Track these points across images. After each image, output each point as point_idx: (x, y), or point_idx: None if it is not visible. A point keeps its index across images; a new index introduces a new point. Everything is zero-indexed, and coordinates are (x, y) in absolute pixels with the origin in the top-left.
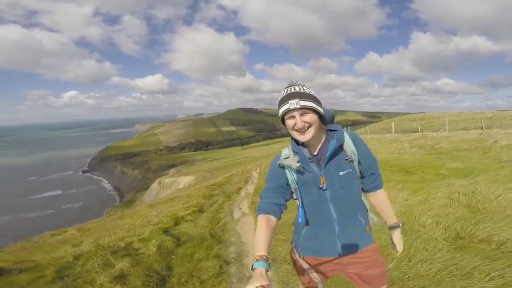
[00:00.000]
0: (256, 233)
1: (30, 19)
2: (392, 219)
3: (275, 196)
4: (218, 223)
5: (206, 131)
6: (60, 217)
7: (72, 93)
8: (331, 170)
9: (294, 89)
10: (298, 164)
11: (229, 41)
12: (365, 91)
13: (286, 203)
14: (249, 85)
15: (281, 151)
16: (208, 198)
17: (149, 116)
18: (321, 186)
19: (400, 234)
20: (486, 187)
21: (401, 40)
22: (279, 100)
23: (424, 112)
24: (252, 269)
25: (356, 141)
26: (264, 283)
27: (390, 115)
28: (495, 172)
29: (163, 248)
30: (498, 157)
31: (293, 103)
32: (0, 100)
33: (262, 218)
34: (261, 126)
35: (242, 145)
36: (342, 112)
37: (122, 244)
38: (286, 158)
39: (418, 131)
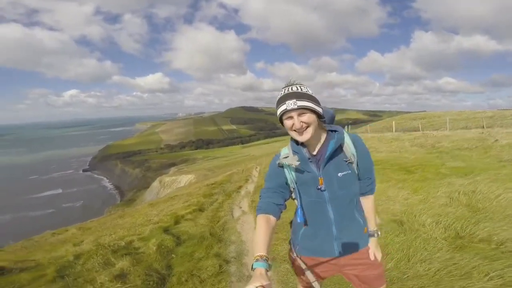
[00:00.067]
0: (256, 233)
1: (30, 18)
2: (372, 226)
3: (275, 196)
4: (218, 222)
5: (206, 130)
6: (61, 216)
7: (72, 92)
8: (330, 171)
9: (292, 89)
10: (298, 163)
11: (230, 39)
12: (366, 89)
13: (285, 202)
14: (250, 84)
15: (280, 151)
16: (209, 197)
17: (150, 115)
18: (319, 187)
19: (376, 242)
20: (486, 187)
21: (402, 38)
22: (276, 101)
23: (425, 111)
24: (252, 269)
25: (356, 143)
26: (264, 283)
27: (391, 113)
28: (496, 171)
29: (163, 247)
30: (498, 156)
31: (290, 104)
32: (0, 99)
33: (261, 218)
34: (261, 124)
35: (242, 144)
36: (343, 110)
37: (123, 243)
38: (286, 157)
39: (419, 130)
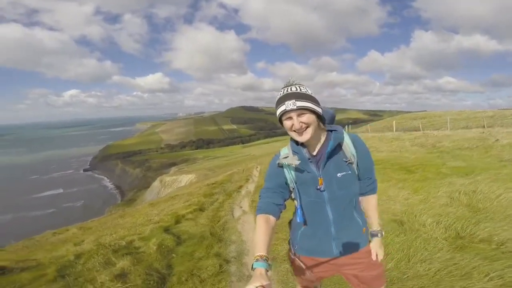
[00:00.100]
0: (256, 233)
1: (30, 18)
2: (375, 226)
3: (274, 196)
4: (218, 221)
5: (207, 129)
6: (62, 215)
7: (73, 92)
8: (329, 171)
9: (291, 89)
10: (298, 163)
11: (230, 39)
12: (366, 89)
13: (285, 202)
14: (250, 83)
15: (280, 151)
16: (209, 197)
17: (150, 115)
18: (318, 187)
19: (379, 242)
20: (487, 186)
21: (402, 38)
22: (276, 101)
23: (425, 111)
24: (252, 269)
25: (356, 143)
26: (264, 283)
27: (392, 113)
28: (496, 171)
29: (163, 246)
30: (499, 156)
31: (289, 104)
32: (0, 99)
33: (261, 218)
34: (262, 124)
35: (243, 143)
36: (344, 110)
37: (123, 243)
38: (285, 157)
39: (419, 130)
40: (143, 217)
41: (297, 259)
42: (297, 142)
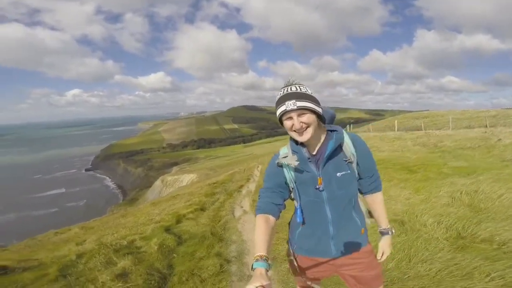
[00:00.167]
0: (255, 233)
1: (32, 18)
2: (384, 224)
3: (274, 196)
4: (219, 221)
5: (208, 129)
6: (64, 215)
7: (75, 91)
8: (329, 171)
9: (291, 89)
10: (297, 163)
11: (231, 38)
12: (368, 88)
13: (285, 202)
14: (252, 82)
15: (279, 150)
16: (210, 196)
17: (152, 114)
18: (317, 187)
19: (389, 241)
20: (488, 186)
21: (405, 37)
22: (276, 101)
23: (428, 110)
24: (252, 269)
25: (356, 142)
26: (264, 283)
27: (394, 113)
28: (499, 171)
29: (164, 246)
30: (501, 156)
31: (290, 104)
32: (2, 99)
33: (261, 218)
34: (263, 123)
35: (244, 143)
36: (345, 110)
37: (125, 243)
38: (285, 157)
39: (421, 129)
40: (144, 216)
41: (295, 259)
42: (296, 142)
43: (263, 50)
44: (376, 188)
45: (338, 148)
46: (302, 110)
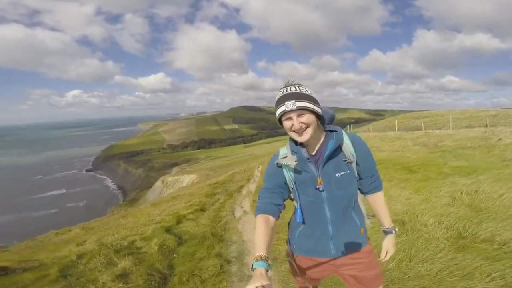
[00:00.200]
0: (255, 234)
1: (32, 19)
2: (387, 223)
3: (273, 196)
4: (219, 221)
5: (209, 129)
6: (65, 216)
7: (75, 92)
8: (328, 171)
9: (290, 89)
10: (296, 163)
11: (231, 38)
12: (368, 88)
13: (284, 202)
14: (251, 83)
15: (279, 151)
16: (210, 197)
17: (152, 115)
18: (317, 187)
19: (393, 240)
20: (489, 186)
21: (404, 37)
22: (275, 101)
23: (428, 110)
24: (252, 269)
25: (355, 142)
26: (264, 283)
27: (394, 112)
28: (499, 170)
29: (165, 247)
30: (502, 156)
31: (289, 104)
32: (2, 100)
33: (260, 218)
34: (263, 124)
35: (244, 143)
36: (345, 110)
37: (125, 243)
38: (284, 157)
39: (421, 129)
40: (145, 217)
41: (295, 259)
42: (296, 142)
43: (262, 50)
44: (377, 188)
45: (338, 149)
46: (301, 111)
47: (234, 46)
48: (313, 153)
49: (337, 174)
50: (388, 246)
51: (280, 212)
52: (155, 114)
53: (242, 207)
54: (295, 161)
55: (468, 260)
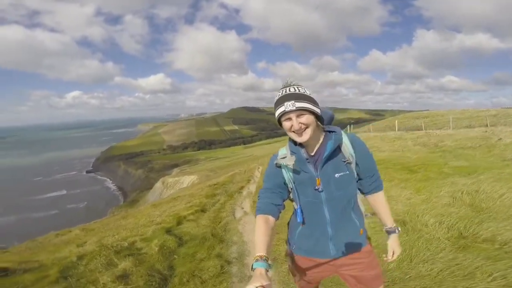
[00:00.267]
0: (255, 234)
1: (32, 20)
2: (390, 223)
3: (273, 196)
4: (220, 222)
5: (209, 130)
6: (65, 217)
7: (75, 93)
8: (327, 172)
9: (289, 90)
10: (293, 163)
11: (231, 39)
12: (368, 88)
13: (284, 202)
14: (251, 83)
15: (278, 151)
16: (211, 198)
17: (152, 116)
18: (316, 187)
19: (396, 239)
20: (489, 186)
21: (404, 37)
22: (274, 102)
23: (428, 110)
24: (252, 269)
25: (355, 143)
26: (264, 283)
27: (394, 112)
28: (499, 170)
29: (165, 247)
30: (502, 155)
31: (288, 105)
32: (2, 101)
33: (260, 219)
34: (263, 124)
35: (244, 144)
36: (345, 110)
37: (125, 244)
38: (283, 158)
39: (421, 129)
40: (145, 218)
41: (294, 259)
42: (295, 142)
43: (262, 51)
44: (377, 188)
45: (337, 149)
46: (301, 111)
47: (234, 46)
48: (312, 154)
49: (336, 175)
50: (394, 246)
51: (280, 212)
52: (155, 115)
53: (243, 208)
54: (293, 161)
55: (469, 260)
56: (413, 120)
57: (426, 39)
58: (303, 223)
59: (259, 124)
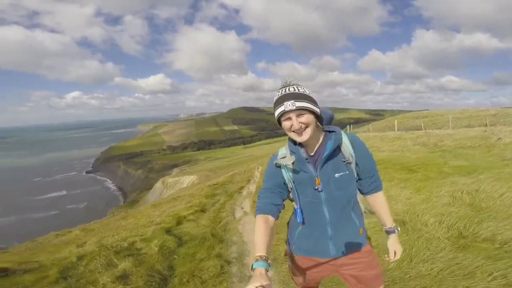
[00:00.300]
0: (255, 234)
1: (31, 20)
2: (389, 223)
3: (273, 196)
4: (219, 222)
5: (208, 131)
6: (65, 217)
7: (75, 93)
8: (327, 172)
9: (289, 89)
10: (292, 163)
11: (231, 39)
12: (368, 88)
13: (284, 202)
14: (251, 84)
15: (278, 151)
16: (210, 198)
17: (152, 116)
18: (316, 187)
19: (396, 239)
20: (489, 185)
21: (404, 37)
22: (274, 102)
23: (427, 110)
24: (252, 269)
25: (354, 143)
26: (264, 283)
27: (394, 112)
28: (499, 170)
29: (165, 248)
30: (502, 155)
31: (288, 105)
32: (2, 101)
33: (260, 218)
34: (263, 124)
35: (244, 144)
36: (345, 110)
37: (125, 244)
38: (283, 157)
39: (421, 129)
40: (145, 218)
41: (294, 259)
42: (295, 142)
43: (262, 51)
44: (377, 188)
45: (337, 149)
46: (300, 111)
47: (234, 47)
48: (312, 154)
49: (336, 175)
50: (395, 246)
51: (280, 212)
52: (154, 115)
53: (242, 208)
54: (293, 161)
55: (469, 259)
56: (413, 120)
57: (426, 39)
58: (303, 223)
59: (259, 124)
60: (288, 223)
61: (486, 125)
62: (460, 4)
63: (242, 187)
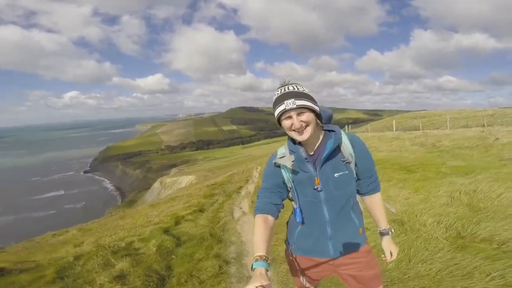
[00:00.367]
0: (255, 234)
1: (28, 20)
2: (384, 225)
3: (272, 196)
4: (218, 222)
5: (207, 130)
6: (62, 217)
7: (72, 93)
8: (326, 171)
9: (288, 88)
10: (292, 163)
11: (229, 39)
12: (366, 88)
13: (283, 202)
14: (250, 84)
15: (277, 150)
16: (209, 198)
17: (150, 116)
18: (315, 187)
19: (390, 240)
20: (487, 186)
21: (401, 37)
22: (273, 101)
23: (425, 110)
24: (252, 269)
25: (354, 143)
26: (264, 283)
27: (391, 112)
28: (497, 170)
29: (163, 248)
30: (499, 155)
31: (289, 103)
32: (0, 101)
33: (259, 218)
34: (262, 124)
35: (243, 144)
36: (343, 110)
37: (123, 244)
38: (282, 157)
39: (419, 129)
40: (143, 218)
41: (293, 259)
42: (294, 141)
43: (260, 51)
44: (375, 189)
45: (336, 149)
46: (301, 109)
47: (232, 47)
48: (311, 153)
49: (336, 174)
50: (391, 246)
51: (279, 211)
52: (153, 115)
53: (241, 208)
54: (292, 161)
55: (468, 259)
56: (411, 120)
57: (424, 39)
58: (302, 222)
59: (258, 124)
60: (287, 223)
61: (484, 125)
62: (457, 4)
63: (240, 187)
